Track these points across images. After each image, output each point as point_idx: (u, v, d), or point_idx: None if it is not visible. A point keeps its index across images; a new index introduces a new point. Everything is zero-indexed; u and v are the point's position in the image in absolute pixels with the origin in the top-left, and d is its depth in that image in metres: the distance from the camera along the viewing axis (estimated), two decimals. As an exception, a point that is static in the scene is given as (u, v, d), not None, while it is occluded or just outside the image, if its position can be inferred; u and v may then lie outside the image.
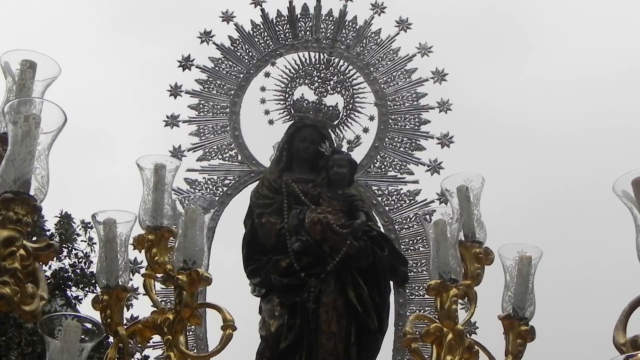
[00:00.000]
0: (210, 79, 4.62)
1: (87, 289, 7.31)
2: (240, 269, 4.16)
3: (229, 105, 4.58)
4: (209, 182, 4.43)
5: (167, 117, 4.58)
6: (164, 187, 2.92)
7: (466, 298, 3.09)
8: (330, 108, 4.39)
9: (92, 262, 7.45)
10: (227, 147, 4.51)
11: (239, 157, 4.48)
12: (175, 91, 4.61)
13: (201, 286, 2.62)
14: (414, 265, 4.31)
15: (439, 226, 2.88)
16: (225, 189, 4.42)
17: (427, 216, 3.09)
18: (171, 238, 2.93)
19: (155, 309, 2.89)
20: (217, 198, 4.08)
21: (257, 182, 4.34)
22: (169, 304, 3.18)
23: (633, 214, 2.06)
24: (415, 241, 4.39)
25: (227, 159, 4.49)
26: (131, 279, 2.96)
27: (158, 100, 4.59)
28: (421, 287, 4.24)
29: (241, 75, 4.61)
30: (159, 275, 2.87)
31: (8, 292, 1.47)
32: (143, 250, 2.88)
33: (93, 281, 7.20)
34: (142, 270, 2.97)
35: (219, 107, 4.60)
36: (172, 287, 2.74)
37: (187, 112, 4.58)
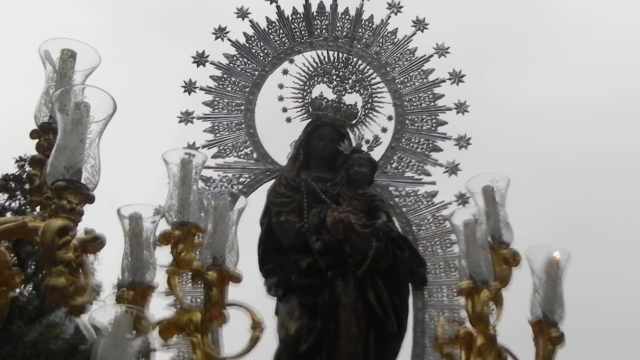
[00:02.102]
0: (225, 76, 4.63)
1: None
2: (252, 270, 4.16)
3: (244, 103, 4.59)
4: (224, 179, 4.44)
5: (182, 113, 4.58)
6: (191, 181, 2.88)
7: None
8: (350, 107, 4.41)
9: (94, 270, 7.40)
10: (242, 145, 4.52)
11: (254, 155, 4.50)
12: (189, 87, 4.61)
13: (232, 284, 2.58)
14: (432, 268, 4.32)
15: (469, 227, 2.86)
16: (240, 187, 4.42)
17: (453, 217, 3.07)
18: (198, 234, 2.90)
19: (179, 306, 2.86)
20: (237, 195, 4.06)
21: (273, 180, 4.35)
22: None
23: None
24: (433, 243, 4.41)
25: (242, 156, 4.50)
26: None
27: (174, 105, 4.57)
28: (439, 290, 4.27)
29: (256, 73, 4.62)
30: (187, 273, 2.83)
31: (63, 283, 1.44)
32: (169, 247, 2.83)
33: (97, 291, 7.12)
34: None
35: (233, 104, 4.61)
36: (199, 284, 2.70)
37: (203, 110, 4.59)
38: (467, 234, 2.87)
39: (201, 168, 2.98)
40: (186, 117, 4.56)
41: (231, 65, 4.62)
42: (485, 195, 3.12)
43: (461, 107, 4.60)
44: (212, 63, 4.61)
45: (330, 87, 4.49)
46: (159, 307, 3.05)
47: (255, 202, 4.31)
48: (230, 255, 2.64)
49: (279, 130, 4.56)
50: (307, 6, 4.62)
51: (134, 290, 2.70)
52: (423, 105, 4.66)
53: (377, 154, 4.42)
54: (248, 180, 4.44)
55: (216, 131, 4.53)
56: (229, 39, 4.61)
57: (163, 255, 3.44)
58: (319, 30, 4.59)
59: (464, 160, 4.56)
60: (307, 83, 4.51)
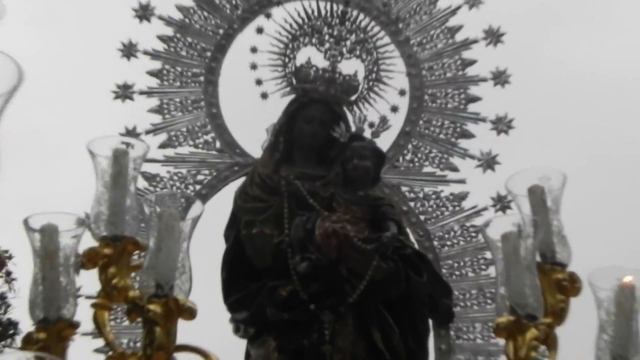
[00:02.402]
0: (178, 36, 4.61)
1: (1, 342, 7.23)
2: (212, 302, 4.12)
3: (203, 72, 4.56)
4: (175, 177, 4.42)
5: (118, 87, 4.57)
6: (127, 181, 2.85)
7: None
8: (347, 78, 4.37)
9: (9, 305, 7.40)
10: (200, 130, 4.50)
11: (217, 144, 4.47)
12: (129, 51, 4.59)
13: (183, 320, 2.55)
14: (461, 297, 4.30)
15: (509, 242, 2.81)
16: (198, 187, 4.40)
17: (488, 228, 3.03)
18: (136, 253, 2.86)
19: (111, 352, 2.83)
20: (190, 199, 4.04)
21: (244, 178, 4.31)
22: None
23: None
24: (461, 264, 4.40)
25: (200, 145, 4.47)
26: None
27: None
28: (470, 328, 4.25)
29: (221, 31, 4.60)
30: (121, 306, 2.79)
31: None
32: (96, 270, 2.79)
33: (11, 332, 7.13)
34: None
35: (189, 74, 4.58)
36: (139, 321, 2.66)
37: (146, 81, 4.56)
38: (508, 252, 2.84)
39: (142, 162, 2.96)
40: (123, 92, 4.54)
41: (187, 20, 4.60)
42: (532, 199, 3.10)
43: (500, 78, 4.58)
44: (160, 18, 4.59)
45: (321, 50, 4.45)
46: (82, 354, 3.01)
47: (218, 209, 4.28)
48: (180, 281, 2.61)
49: (252, 110, 4.52)
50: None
51: (46, 331, 2.68)
52: (448, 75, 4.64)
53: (385, 142, 4.39)
54: (209, 178, 4.41)
55: (165, 111, 4.51)
56: (183, -16, 4.61)
57: (88, 282, 3.42)
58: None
59: (503, 150, 4.53)
60: (290, 46, 4.47)
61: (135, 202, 2.88)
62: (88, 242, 2.85)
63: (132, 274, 2.84)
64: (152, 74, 4.57)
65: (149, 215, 2.72)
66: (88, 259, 2.82)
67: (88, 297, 3.64)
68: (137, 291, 2.69)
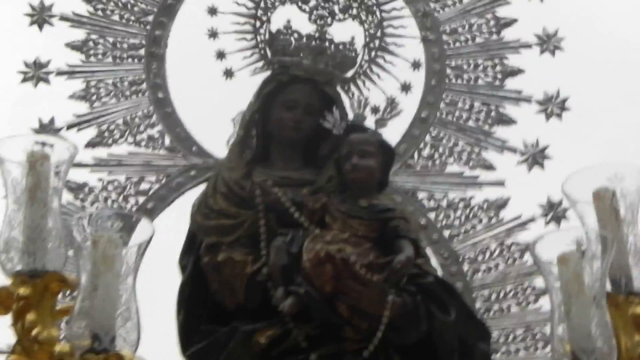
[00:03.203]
0: (109, -7, 4.67)
1: None
2: (168, 355, 4.13)
3: (144, 43, 4.61)
4: (109, 187, 4.47)
5: (27, 65, 4.60)
6: (48, 195, 2.90)
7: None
8: (341, 47, 4.40)
9: None
10: (143, 122, 4.54)
11: (167, 140, 4.52)
12: (40, 16, 4.63)
13: (129, 383, 2.60)
14: (501, 340, 4.36)
15: (569, 265, 2.87)
16: (142, 200, 4.44)
17: (539, 246, 3.08)
18: (63, 292, 2.91)
19: None
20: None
21: (205, 187, 4.33)
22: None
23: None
24: (501, 295, 4.45)
25: (143, 143, 4.51)
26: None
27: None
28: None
29: (167, -14, 4.66)
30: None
31: None
32: (9, 316, 2.84)
33: None
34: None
35: (125, 46, 4.63)
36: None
37: (66, 56, 4.59)
38: (567, 279, 2.88)
39: (67, 168, 3.01)
40: (35, 73, 4.56)
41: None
42: (600, 206, 3.14)
43: (549, 43, 4.64)
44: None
45: (304, 10, 4.51)
46: None
47: (170, 228, 4.29)
48: (124, 329, 2.69)
49: (212, 93, 4.57)
50: None
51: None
52: (477, 41, 4.70)
53: (394, 134, 4.42)
54: (156, 187, 4.45)
55: (94, 97, 4.55)
56: None
57: (1, 333, 3.44)
58: None
59: (555, 140, 4.60)
60: (263, 4, 4.52)
61: (60, 224, 2.93)
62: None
63: (59, 322, 2.88)
64: (73, 46, 4.60)
65: (79, 241, 2.78)
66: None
67: (1, 353, 3.69)
68: (66, 345, 2.75)
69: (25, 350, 2.84)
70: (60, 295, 2.94)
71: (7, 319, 2.90)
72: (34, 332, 2.81)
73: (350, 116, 4.24)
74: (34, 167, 2.94)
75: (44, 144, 3.02)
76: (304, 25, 4.44)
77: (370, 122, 4.20)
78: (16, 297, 2.84)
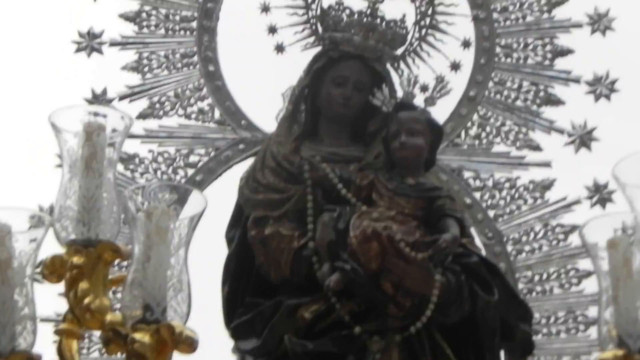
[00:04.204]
0: (162, -35, 4.68)
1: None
2: (218, 328, 4.19)
3: (196, 16, 4.62)
4: (159, 159, 4.51)
5: (80, 35, 4.64)
6: (102, 165, 2.90)
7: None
8: (392, 24, 4.40)
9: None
10: (193, 94, 4.56)
11: (217, 113, 4.54)
12: (94, -15, 4.66)
13: (179, 353, 2.61)
14: (545, 321, 4.37)
15: (619, 249, 2.85)
16: (190, 172, 4.47)
17: (586, 229, 3.08)
18: (116, 262, 2.92)
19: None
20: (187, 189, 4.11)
21: (252, 160, 4.37)
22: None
23: None
24: (545, 277, 4.46)
25: (193, 116, 4.54)
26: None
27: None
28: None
29: (219, -42, 4.66)
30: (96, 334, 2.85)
31: None
32: (62, 285, 2.83)
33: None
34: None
35: (177, 18, 4.65)
36: (120, 354, 2.73)
37: (119, 27, 4.64)
38: (616, 263, 2.87)
39: (123, 140, 3.02)
40: (89, 43, 4.60)
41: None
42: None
43: (600, 22, 4.62)
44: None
45: (356, -14, 4.49)
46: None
47: (218, 201, 4.30)
48: (176, 301, 2.67)
49: (263, 68, 4.57)
50: None
51: (-3, 366, 2.74)
52: (528, 19, 4.68)
53: (441, 112, 4.43)
54: (205, 159, 4.48)
55: (146, 69, 4.58)
56: None
57: (50, 302, 3.48)
58: None
59: (604, 122, 4.60)
60: (315, -19, 4.52)
61: (114, 195, 2.93)
62: (51, 247, 2.90)
63: (111, 291, 2.90)
64: (127, 17, 4.63)
65: (133, 212, 2.78)
66: (51, 271, 2.85)
67: (51, 321, 3.74)
68: (117, 314, 2.74)
69: (77, 318, 2.82)
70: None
71: (53, 288, 2.92)
72: (86, 301, 2.78)
73: (399, 94, 4.25)
74: (90, 138, 2.91)
75: (100, 114, 3.02)
76: (355, 2, 4.42)
77: (419, 100, 4.22)
78: (69, 266, 2.82)
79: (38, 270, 2.92)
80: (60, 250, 2.88)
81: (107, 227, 2.89)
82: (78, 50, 4.62)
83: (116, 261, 2.94)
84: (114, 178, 2.99)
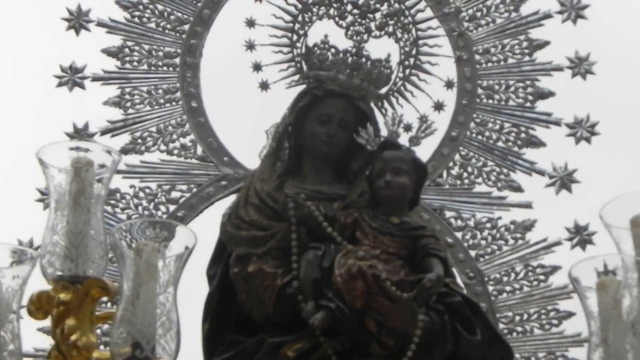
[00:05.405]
0: (145, 1, 4.67)
1: None
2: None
3: (180, 52, 4.62)
4: (141, 194, 4.48)
5: (63, 69, 4.62)
6: (90, 202, 2.90)
7: None
8: (377, 64, 4.39)
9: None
10: (176, 130, 4.55)
11: (199, 150, 4.53)
12: (77, 20, 4.64)
13: (169, 392, 2.60)
14: (526, 362, 4.35)
15: (609, 291, 2.85)
16: (172, 208, 4.45)
17: (575, 271, 3.06)
18: (104, 299, 2.92)
19: None
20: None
21: (235, 197, 4.33)
22: None
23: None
24: (525, 317, 4.44)
25: (175, 151, 4.53)
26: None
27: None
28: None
29: (203, -3, 4.67)
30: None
31: None
32: (48, 321, 2.85)
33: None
34: None
35: (160, 54, 4.64)
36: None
37: (102, 62, 4.61)
38: (605, 304, 2.86)
39: (111, 175, 3.02)
40: (71, 77, 4.58)
41: (157, -20, 4.67)
42: (637, 234, 3.11)
43: (581, 66, 4.64)
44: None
45: (341, 26, 4.51)
46: None
47: (200, 237, 4.28)
48: (165, 339, 2.68)
49: (247, 104, 4.58)
50: None
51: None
52: (510, 61, 4.70)
53: (425, 151, 4.45)
54: (187, 196, 4.47)
55: (128, 104, 4.56)
56: None
57: (36, 338, 3.44)
58: None
59: (584, 164, 4.60)
60: (300, 18, 4.52)
61: (102, 231, 2.94)
62: (37, 283, 2.89)
63: (98, 328, 2.89)
64: (109, 52, 4.61)
65: (122, 249, 2.78)
66: (38, 307, 2.86)
67: (30, 357, 3.69)
68: (105, 352, 2.75)
69: (63, 355, 2.84)
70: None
71: (47, 323, 2.91)
72: (73, 337, 2.82)
73: (384, 133, 4.24)
74: (78, 173, 2.94)
75: (88, 150, 3.03)
76: (340, 40, 4.43)
77: (403, 139, 4.22)
78: (56, 302, 2.84)
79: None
80: (46, 286, 2.90)
81: (94, 263, 2.92)
82: (60, 84, 4.60)
83: (103, 298, 2.94)
84: (101, 214, 3.01)
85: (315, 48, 4.38)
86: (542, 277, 4.50)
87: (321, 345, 3.85)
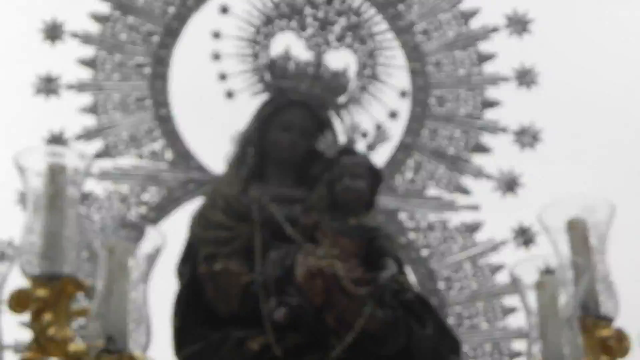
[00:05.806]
0: (117, 14, 4.68)
1: None
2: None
3: (150, 62, 4.63)
4: (113, 198, 4.48)
5: (40, 78, 4.63)
6: (64, 203, 2.89)
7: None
8: (337, 74, 4.45)
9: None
10: (146, 136, 4.57)
11: (168, 154, 4.55)
12: (53, 32, 4.65)
13: (139, 383, 2.61)
14: (472, 353, 4.42)
15: (547, 291, 2.91)
16: (143, 210, 4.46)
17: (518, 270, 3.11)
18: (79, 295, 2.89)
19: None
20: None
21: (203, 199, 4.36)
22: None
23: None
24: (474, 312, 4.51)
25: (146, 156, 4.54)
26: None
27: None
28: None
29: (172, 10, 4.67)
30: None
31: None
32: (28, 316, 2.82)
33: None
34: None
35: (131, 64, 4.65)
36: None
37: (76, 72, 4.64)
38: (543, 301, 2.91)
39: (84, 179, 3.01)
40: (47, 87, 4.59)
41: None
42: (573, 235, 3.16)
43: (526, 77, 4.70)
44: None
45: (302, 37, 4.55)
46: None
47: (169, 238, 4.29)
48: (137, 333, 2.69)
49: (213, 112, 4.58)
50: None
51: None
52: (460, 72, 4.75)
53: (380, 157, 4.46)
54: (157, 198, 4.49)
55: (101, 111, 4.58)
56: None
57: (15, 332, 3.44)
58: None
59: (527, 169, 4.67)
60: (263, 30, 4.56)
61: (76, 231, 2.93)
62: (16, 281, 2.88)
63: (74, 322, 2.89)
64: (83, 62, 4.63)
65: (96, 249, 2.79)
66: (16, 303, 2.84)
67: (16, 352, 3.68)
68: (81, 344, 2.75)
69: (42, 348, 2.82)
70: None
71: (24, 318, 2.90)
72: (50, 331, 2.79)
73: (342, 139, 4.28)
74: (53, 177, 2.93)
75: (62, 155, 3.02)
76: (301, 51, 4.48)
77: (360, 145, 4.25)
78: (34, 299, 2.81)
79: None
80: (24, 284, 2.88)
81: (69, 261, 2.88)
82: (37, 92, 4.59)
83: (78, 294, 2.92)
84: (75, 215, 2.98)
85: (278, 59, 4.43)
86: (488, 275, 4.56)
87: (284, 339, 3.87)
